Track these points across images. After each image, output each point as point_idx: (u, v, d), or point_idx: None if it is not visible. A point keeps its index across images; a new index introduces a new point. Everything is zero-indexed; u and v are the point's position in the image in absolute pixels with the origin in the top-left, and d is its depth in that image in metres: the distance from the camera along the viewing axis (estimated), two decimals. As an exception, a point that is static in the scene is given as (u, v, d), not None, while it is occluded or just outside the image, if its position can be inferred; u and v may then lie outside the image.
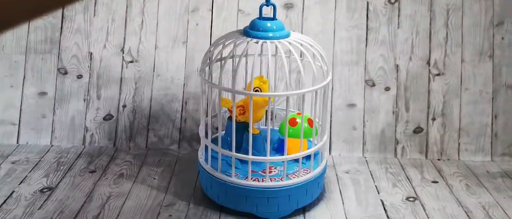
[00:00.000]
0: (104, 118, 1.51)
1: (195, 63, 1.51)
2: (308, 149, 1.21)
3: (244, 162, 1.22)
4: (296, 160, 1.25)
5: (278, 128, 1.31)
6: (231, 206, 1.17)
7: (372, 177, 1.36)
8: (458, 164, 1.44)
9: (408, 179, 1.35)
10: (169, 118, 1.51)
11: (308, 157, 1.23)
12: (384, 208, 1.22)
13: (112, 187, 1.29)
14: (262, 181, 1.15)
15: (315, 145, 1.20)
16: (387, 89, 1.50)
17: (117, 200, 1.23)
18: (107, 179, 1.32)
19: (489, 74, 1.49)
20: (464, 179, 1.36)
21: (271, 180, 1.15)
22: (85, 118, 1.51)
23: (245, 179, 1.16)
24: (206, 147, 1.27)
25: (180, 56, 1.51)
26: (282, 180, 1.15)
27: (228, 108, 1.24)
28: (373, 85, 1.50)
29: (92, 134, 1.50)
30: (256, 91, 1.15)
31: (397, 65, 1.50)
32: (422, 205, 1.23)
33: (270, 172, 1.18)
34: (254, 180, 1.15)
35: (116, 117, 1.51)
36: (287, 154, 1.13)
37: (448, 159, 1.47)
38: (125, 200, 1.23)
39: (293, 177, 1.17)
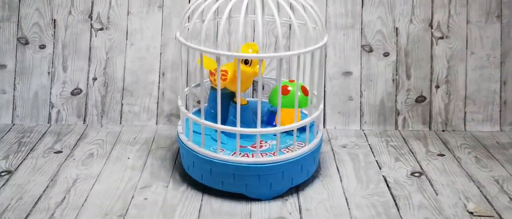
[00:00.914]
0: (72, 93, 1.35)
1: (172, 29, 1.35)
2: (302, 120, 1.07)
3: (231, 136, 1.08)
4: (289, 133, 1.11)
5: (267, 99, 1.17)
6: (216, 186, 1.03)
7: (372, 152, 1.23)
8: (465, 135, 1.31)
9: (412, 153, 1.22)
10: (145, 91, 1.35)
11: (301, 130, 1.09)
12: (387, 185, 1.09)
13: (80, 168, 1.13)
14: (252, 156, 1.01)
15: (310, 115, 1.06)
16: (386, 54, 1.36)
17: (85, 183, 1.08)
18: (74, 160, 1.17)
19: (497, 37, 1.35)
20: (472, 151, 1.23)
21: (262, 156, 1.01)
22: (50, 93, 1.35)
23: (232, 155, 1.01)
24: (187, 120, 1.12)
25: (156, 21, 1.35)
26: (274, 155, 1.01)
27: (210, 72, 1.09)
28: (371, 50, 1.36)
29: (59, 110, 1.34)
30: (246, 62, 1.00)
31: (397, 28, 1.36)
32: (429, 181, 1.10)
33: (260, 147, 1.04)
34: (243, 156, 1.01)
35: (85, 92, 1.35)
36: (280, 126, 0.99)
37: (454, 130, 1.34)
38: (94, 183, 1.08)
39: (287, 152, 1.03)
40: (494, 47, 1.35)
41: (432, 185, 1.09)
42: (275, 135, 1.10)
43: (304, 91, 1.09)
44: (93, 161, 1.16)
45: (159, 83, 1.36)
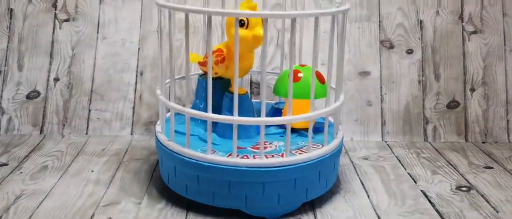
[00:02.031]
0: (28, 96, 1.09)
1: (153, 20, 1.12)
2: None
3: (225, 136, 0.83)
4: (300, 134, 0.86)
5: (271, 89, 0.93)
6: (205, 201, 0.77)
7: (401, 164, 0.98)
8: (511, 147, 1.08)
9: (451, 165, 0.98)
10: (119, 94, 1.10)
11: (315, 131, 0.84)
12: (429, 201, 0.83)
13: (27, 183, 0.86)
14: (254, 158, 0.76)
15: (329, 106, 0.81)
16: (410, 51, 1.13)
17: (30, 200, 0.81)
18: (21, 173, 0.90)
19: (539, 32, 1.14)
20: (525, 164, 0.99)
21: (267, 157, 0.76)
22: (1, 97, 1.09)
23: (228, 157, 0.76)
24: (168, 118, 0.88)
25: (134, 11, 1.12)
26: (283, 156, 0.76)
27: (199, 63, 0.85)
28: (391, 47, 1.13)
29: (10, 118, 1.08)
30: (242, 23, 0.77)
31: (421, 21, 1.14)
32: (482, 196, 0.85)
33: (264, 148, 0.79)
34: (242, 157, 0.76)
35: (44, 95, 1.10)
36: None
37: (496, 142, 1.10)
38: (42, 199, 0.81)
39: (299, 154, 0.78)
40: (536, 44, 1.14)
41: (488, 201, 0.84)
42: (282, 135, 0.85)
43: (320, 77, 0.85)
44: (45, 175, 0.89)
45: (136, 84, 1.11)
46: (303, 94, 0.82)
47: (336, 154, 0.81)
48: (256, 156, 0.76)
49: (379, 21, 1.14)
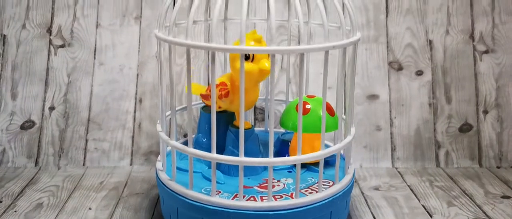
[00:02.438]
0: (22, 127, 1.05)
1: (152, 45, 1.08)
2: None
3: (230, 174, 0.78)
4: (309, 169, 0.81)
5: (278, 123, 0.89)
6: (210, 245, 0.72)
7: (414, 194, 0.93)
8: (527, 172, 1.03)
9: (467, 195, 0.93)
10: (118, 123, 1.06)
11: (325, 163, 0.80)
12: (447, 238, 0.79)
13: (22, 223, 0.82)
14: (262, 200, 0.71)
15: (340, 141, 0.77)
16: (419, 73, 1.09)
17: (25, 244, 0.76)
18: (16, 212, 0.85)
19: (553, 50, 1.10)
20: (544, 192, 0.95)
21: (276, 199, 0.71)
22: (-6, 127, 1.05)
23: (233, 199, 0.71)
24: (169, 153, 0.83)
25: (132, 36, 1.08)
26: (293, 197, 0.71)
27: (201, 95, 0.81)
28: (400, 68, 1.09)
29: (4, 149, 1.04)
30: (247, 56, 0.72)
31: (430, 41, 1.10)
32: (502, 231, 0.81)
33: (272, 187, 0.75)
34: (248, 199, 0.71)
35: (39, 125, 1.05)
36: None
37: (511, 166, 1.06)
38: (38, 242, 0.77)
39: (310, 193, 0.73)
40: (551, 63, 1.10)
41: (507, 237, 0.79)
42: (291, 170, 0.81)
43: (329, 109, 0.80)
44: (40, 214, 0.85)
45: (135, 112, 1.06)
46: (312, 127, 0.78)
47: (348, 191, 0.77)
48: (263, 198, 0.72)
49: (387, 42, 1.10)
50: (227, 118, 0.82)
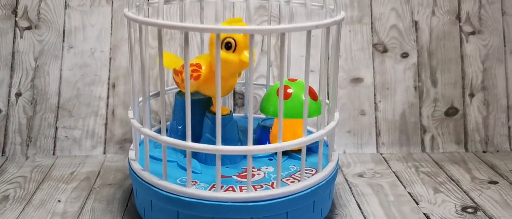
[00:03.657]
0: (-13, 114, 0.99)
1: (125, 27, 1.02)
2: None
3: (207, 162, 0.74)
4: (291, 156, 0.77)
5: (258, 109, 0.84)
6: (187, 239, 0.68)
7: (400, 181, 0.90)
8: (514, 157, 1.01)
9: (453, 181, 0.90)
10: (90, 109, 1.00)
11: (308, 150, 0.76)
12: (434, 226, 0.76)
13: (-15, 218, 0.77)
14: (241, 190, 0.67)
15: (323, 127, 0.73)
16: (405, 55, 1.05)
17: (-13, 240, 0.71)
18: (-21, 205, 0.80)
19: (540, 31, 1.07)
20: (531, 176, 0.92)
21: (256, 189, 0.67)
22: (-43, 115, 0.99)
23: (210, 189, 0.67)
24: (142, 140, 0.79)
25: (104, 17, 1.02)
26: (274, 187, 0.67)
27: (175, 71, 0.75)
28: (385, 50, 1.05)
29: (-32, 138, 0.98)
30: (228, 45, 0.67)
31: (416, 22, 1.06)
32: (490, 218, 0.78)
33: (251, 176, 0.71)
34: (226, 190, 0.67)
35: (5, 112, 0.99)
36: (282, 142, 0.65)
37: (497, 151, 1.03)
38: (1, 238, 0.72)
39: (292, 183, 0.69)
40: (538, 44, 1.07)
41: (496, 225, 0.76)
42: (271, 158, 0.76)
43: (312, 94, 0.76)
44: (5, 208, 0.79)
45: (107, 98, 1.01)
46: (294, 113, 0.74)
47: (332, 179, 0.73)
48: (243, 188, 0.67)
49: (371, 23, 1.05)
50: (204, 104, 0.77)
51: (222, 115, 0.73)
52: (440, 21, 1.06)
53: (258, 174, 0.72)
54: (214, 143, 0.71)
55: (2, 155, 0.97)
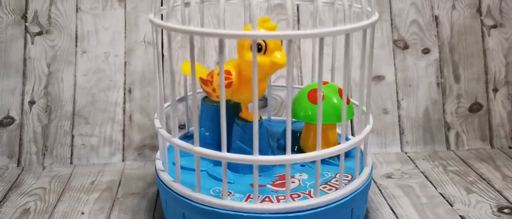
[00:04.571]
0: (1, 124, 0.96)
1: (139, 29, 0.99)
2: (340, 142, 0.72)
3: (239, 171, 0.71)
4: (323, 161, 0.75)
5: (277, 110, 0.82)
6: (222, 251, 0.66)
7: (430, 182, 0.88)
8: (541, 152, 0.99)
9: (484, 180, 0.88)
10: (106, 115, 0.97)
11: (336, 156, 0.74)
12: (471, 229, 0.74)
13: (8, 234, 0.74)
14: (278, 200, 0.64)
15: (359, 132, 0.70)
16: (426, 51, 1.03)
17: (13, 259, 0.68)
18: (0, 220, 0.77)
19: (562, 23, 1.05)
20: (561, 172, 0.90)
21: (293, 199, 0.65)
22: (-31, 126, 0.95)
23: (247, 200, 0.64)
24: (171, 150, 0.76)
25: (117, 20, 0.99)
26: (311, 196, 0.65)
27: (202, 80, 0.73)
28: (406, 47, 1.03)
29: (-19, 149, 0.95)
30: (258, 47, 0.64)
31: (436, 17, 1.03)
32: (527, 218, 0.76)
33: (284, 185, 0.68)
34: (263, 201, 0.64)
35: (19, 121, 0.96)
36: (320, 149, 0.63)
37: (523, 146, 1.02)
38: (28, 257, 0.69)
39: (329, 190, 0.67)
40: (560, 36, 1.05)
41: (535, 226, 0.75)
42: (303, 164, 0.74)
43: (342, 96, 0.74)
44: (28, 222, 0.77)
45: (124, 103, 0.98)
46: (328, 117, 0.71)
47: (368, 185, 0.71)
48: (280, 198, 0.65)
49: (391, 19, 1.03)
50: (231, 110, 0.74)
51: (249, 121, 0.71)
52: (461, 15, 1.04)
53: (293, 182, 0.69)
54: (246, 151, 0.69)
55: (18, 166, 0.94)
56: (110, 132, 0.97)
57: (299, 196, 0.66)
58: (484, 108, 1.03)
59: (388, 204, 0.81)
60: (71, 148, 0.96)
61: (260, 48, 0.64)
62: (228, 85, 0.68)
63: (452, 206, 0.80)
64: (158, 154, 0.75)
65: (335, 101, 0.72)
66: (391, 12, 1.03)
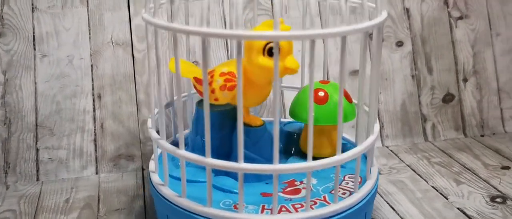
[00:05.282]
0: (-49, 140, 0.85)
1: (106, 29, 0.91)
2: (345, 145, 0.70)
3: (245, 180, 0.67)
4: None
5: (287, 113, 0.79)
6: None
7: (419, 175, 0.88)
8: (511, 138, 1.02)
9: (469, 170, 0.90)
10: (74, 125, 0.89)
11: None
12: (471, 221, 0.74)
13: (-17, 268, 0.65)
14: (296, 210, 0.61)
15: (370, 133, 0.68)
16: (400, 44, 1.03)
17: None
18: (-30, 253, 0.68)
19: (521, 13, 1.09)
20: (535, 158, 0.94)
21: (311, 206, 0.61)
22: None
23: (263, 212, 0.60)
24: (172, 161, 0.70)
25: (79, 20, 0.90)
26: (327, 202, 0.62)
27: (196, 79, 0.67)
28: (382, 40, 1.02)
29: None
30: (271, 50, 0.60)
31: (407, 9, 1.04)
32: (519, 206, 0.78)
33: (296, 192, 0.65)
34: (280, 212, 0.60)
35: (-27, 136, 0.85)
36: (333, 155, 0.60)
37: (494, 134, 1.05)
38: None
39: (344, 195, 0.64)
40: (519, 26, 1.09)
41: (529, 213, 0.76)
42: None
43: (346, 96, 0.72)
44: (3, 251, 0.68)
45: (94, 111, 0.90)
46: (332, 118, 0.68)
47: (376, 187, 0.69)
48: (296, 207, 0.61)
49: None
50: (233, 114, 0.70)
51: (256, 126, 0.67)
52: (429, 7, 1.05)
53: (304, 188, 0.66)
54: (252, 159, 0.65)
55: (-25, 187, 0.84)
56: (80, 143, 0.88)
57: (315, 203, 0.62)
58: (456, 98, 1.05)
59: (386, 201, 0.80)
60: (37, 163, 0.87)
61: (272, 52, 0.60)
62: (231, 88, 0.63)
63: (447, 199, 0.80)
64: (151, 166, 0.69)
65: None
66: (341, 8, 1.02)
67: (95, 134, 0.89)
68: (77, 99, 0.89)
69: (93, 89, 0.90)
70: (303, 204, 0.62)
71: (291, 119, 0.81)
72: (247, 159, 0.63)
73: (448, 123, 1.03)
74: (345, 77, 0.63)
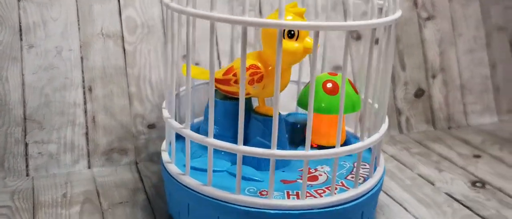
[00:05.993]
0: None
1: (95, 20, 0.89)
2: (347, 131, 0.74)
3: (260, 168, 0.68)
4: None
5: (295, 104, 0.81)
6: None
7: (403, 164, 0.94)
8: (474, 131, 1.10)
9: (446, 159, 0.97)
10: (64, 118, 0.86)
11: (347, 141, 0.75)
12: (464, 205, 0.80)
13: (-7, 266, 0.62)
14: (320, 195, 0.63)
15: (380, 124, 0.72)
16: (377, 42, 1.08)
17: None
18: (-26, 251, 0.64)
19: (479, 16, 1.18)
20: (503, 148, 1.02)
21: (326, 192, 0.64)
22: None
23: (289, 198, 0.62)
24: (179, 149, 0.70)
25: (67, 9, 0.87)
26: (346, 187, 0.65)
27: (220, 81, 0.68)
28: (359, 37, 1.07)
29: None
30: (291, 33, 0.62)
31: (381, 9, 1.10)
32: (502, 191, 0.85)
33: (313, 179, 0.68)
34: (307, 197, 0.63)
35: (-45, 130, 0.80)
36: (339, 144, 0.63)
37: (458, 126, 1.13)
38: None
39: (361, 181, 0.68)
40: (478, 27, 1.18)
41: (510, 196, 0.84)
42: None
43: (353, 87, 0.75)
44: (11, 248, 0.65)
45: (85, 104, 0.87)
46: (344, 108, 0.72)
47: (384, 173, 0.73)
48: (319, 192, 0.64)
49: (344, 10, 1.07)
50: (248, 103, 0.71)
51: (269, 116, 0.69)
52: (401, 8, 1.11)
53: (321, 175, 0.69)
54: (268, 147, 0.67)
55: (-41, 184, 0.79)
56: (71, 136, 0.86)
57: (336, 188, 0.65)
58: (426, 93, 1.12)
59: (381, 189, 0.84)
60: (26, 158, 0.83)
61: (293, 34, 0.62)
62: (259, 79, 0.64)
63: (434, 185, 0.86)
64: (165, 157, 0.68)
65: (349, 91, 0.73)
66: (344, 3, 1.06)
67: (87, 128, 0.87)
68: (66, 91, 0.86)
69: (83, 81, 0.87)
70: (324, 189, 0.65)
71: (288, 112, 0.84)
72: (265, 147, 0.65)
73: (419, 117, 1.10)
74: (346, 71, 0.66)
